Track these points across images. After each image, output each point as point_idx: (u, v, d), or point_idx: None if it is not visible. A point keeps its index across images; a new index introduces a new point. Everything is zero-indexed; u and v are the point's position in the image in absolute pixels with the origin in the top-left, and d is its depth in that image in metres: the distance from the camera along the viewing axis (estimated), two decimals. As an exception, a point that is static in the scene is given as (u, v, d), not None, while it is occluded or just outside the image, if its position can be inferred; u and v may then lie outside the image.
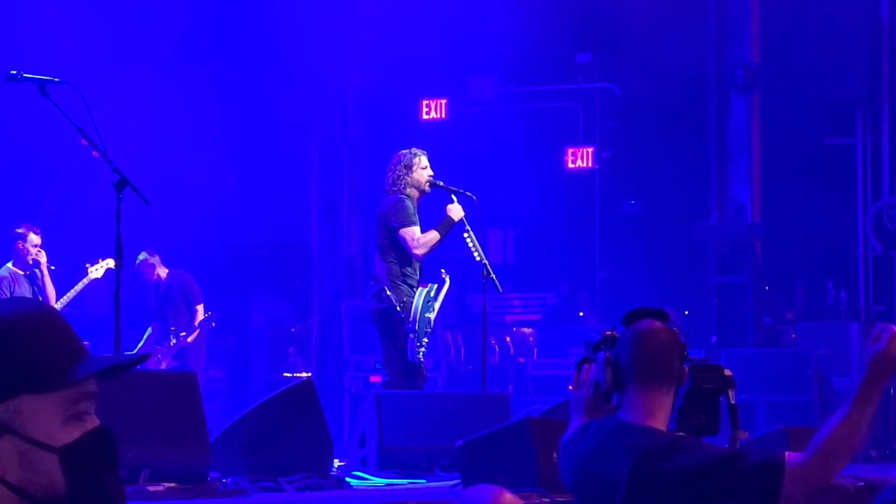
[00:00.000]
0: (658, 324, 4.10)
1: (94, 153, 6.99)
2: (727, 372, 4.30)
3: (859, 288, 15.34)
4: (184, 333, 12.56)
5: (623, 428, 3.97)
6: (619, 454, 3.92)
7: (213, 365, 14.52)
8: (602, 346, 4.12)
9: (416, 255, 9.40)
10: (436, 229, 9.45)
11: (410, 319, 9.23)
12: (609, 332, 4.14)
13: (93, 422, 2.01)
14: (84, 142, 6.99)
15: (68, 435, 1.97)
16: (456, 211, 9.49)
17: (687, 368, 4.16)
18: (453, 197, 9.59)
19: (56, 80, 7.12)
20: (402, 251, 9.41)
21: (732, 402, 4.30)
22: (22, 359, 1.95)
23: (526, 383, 14.94)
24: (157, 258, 12.79)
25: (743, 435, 4.35)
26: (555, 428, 5.84)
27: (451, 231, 9.54)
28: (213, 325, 12.93)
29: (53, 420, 1.96)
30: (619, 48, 17.03)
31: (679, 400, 4.18)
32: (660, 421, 4.01)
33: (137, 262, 12.57)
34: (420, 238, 9.37)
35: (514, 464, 6.47)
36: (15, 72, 7.09)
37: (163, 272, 12.77)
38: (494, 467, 6.53)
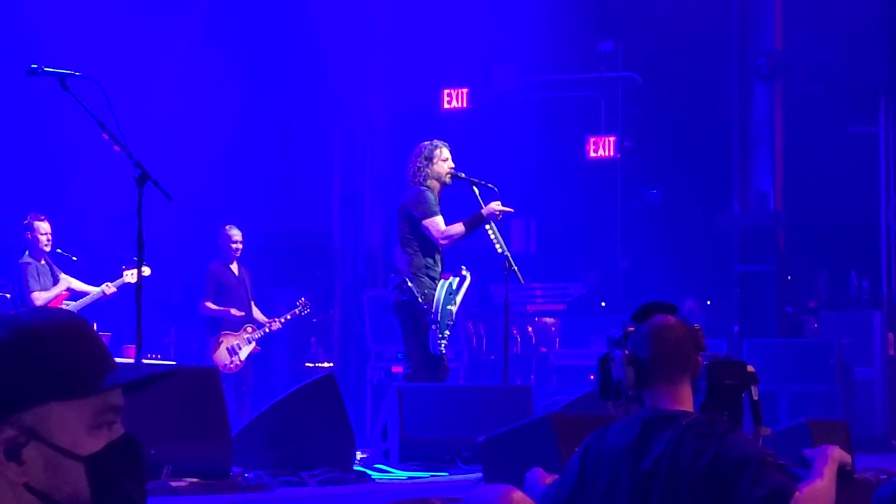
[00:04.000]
0: (672, 317, 4.11)
1: (115, 147, 6.98)
2: (750, 368, 4.30)
3: (882, 277, 15.27)
4: (270, 322, 12.65)
5: (661, 414, 4.00)
6: (662, 436, 3.93)
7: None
8: (618, 345, 4.13)
9: (440, 244, 9.37)
10: (464, 223, 9.39)
11: (433, 311, 9.19)
12: (631, 329, 4.14)
13: (118, 431, 2.04)
14: (105, 136, 6.98)
15: (93, 444, 1.99)
16: (489, 210, 9.39)
17: (707, 364, 4.17)
18: (484, 197, 9.50)
19: (77, 73, 7.10)
20: (424, 243, 9.37)
21: (755, 398, 4.30)
22: (51, 366, 1.98)
23: (548, 373, 14.93)
24: None
25: (766, 431, 4.34)
26: (578, 424, 5.83)
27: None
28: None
29: (79, 428, 1.98)
30: (641, 37, 16.98)
31: (701, 396, 4.18)
32: (690, 408, 4.05)
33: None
34: (445, 230, 9.33)
35: (537, 460, 6.44)
36: (36, 66, 7.09)
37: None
38: (517, 463, 6.49)
